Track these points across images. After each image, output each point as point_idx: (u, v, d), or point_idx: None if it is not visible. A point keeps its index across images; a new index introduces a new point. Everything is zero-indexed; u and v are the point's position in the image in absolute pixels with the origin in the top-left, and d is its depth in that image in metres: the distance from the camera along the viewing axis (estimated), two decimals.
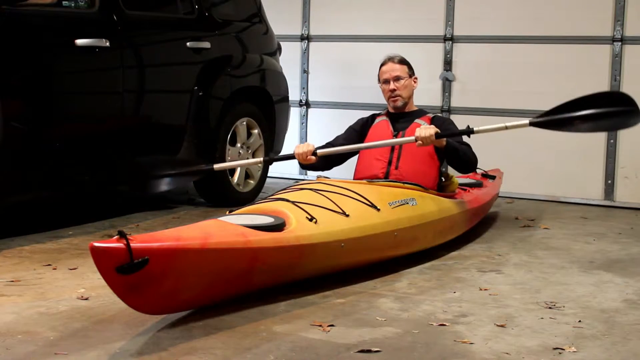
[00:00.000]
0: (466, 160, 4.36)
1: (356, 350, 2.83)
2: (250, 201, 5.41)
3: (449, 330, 3.09)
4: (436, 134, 4.10)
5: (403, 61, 4.57)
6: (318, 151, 4.26)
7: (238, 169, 5.62)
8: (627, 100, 3.88)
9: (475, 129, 4.07)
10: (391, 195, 4.04)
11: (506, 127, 4.03)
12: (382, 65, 4.59)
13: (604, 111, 3.86)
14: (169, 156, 4.85)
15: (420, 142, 4.12)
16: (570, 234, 5.06)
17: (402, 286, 3.72)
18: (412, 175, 4.31)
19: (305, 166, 4.42)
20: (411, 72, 4.57)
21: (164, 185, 4.30)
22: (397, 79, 4.51)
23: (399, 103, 4.53)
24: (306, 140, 7.09)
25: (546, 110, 3.98)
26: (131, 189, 4.55)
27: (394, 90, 4.50)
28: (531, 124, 3.99)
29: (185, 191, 6.18)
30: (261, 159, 4.56)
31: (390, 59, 4.58)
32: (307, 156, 4.25)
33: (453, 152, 4.28)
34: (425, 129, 4.12)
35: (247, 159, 5.70)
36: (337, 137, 4.59)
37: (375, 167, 4.42)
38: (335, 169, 4.59)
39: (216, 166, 4.44)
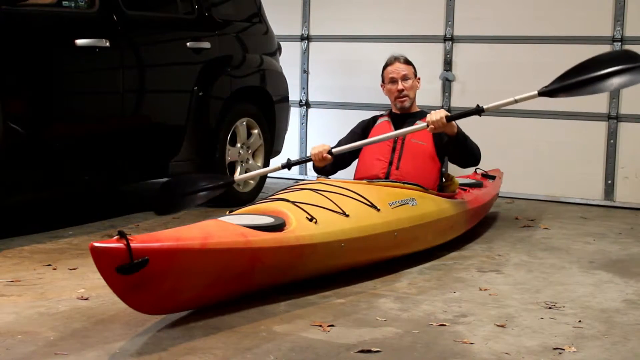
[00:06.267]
0: (471, 153, 4.30)
1: (356, 350, 2.83)
2: (250, 201, 5.41)
3: (449, 330, 3.09)
4: (447, 116, 4.03)
5: (408, 61, 4.53)
6: (333, 150, 4.25)
7: (238, 169, 5.62)
8: (634, 57, 3.79)
9: (484, 106, 3.99)
10: (391, 196, 4.04)
11: (515, 101, 3.93)
12: (387, 65, 4.52)
13: (612, 70, 3.77)
14: (192, 175, 4.77)
15: (432, 126, 4.04)
16: (570, 234, 5.05)
17: (402, 286, 3.72)
18: (413, 176, 4.30)
19: (318, 169, 4.40)
20: (415, 73, 4.54)
21: (189, 204, 4.21)
22: (405, 78, 4.46)
23: (407, 103, 4.48)
24: (306, 141, 7.11)
25: (553, 80, 3.89)
26: (157, 213, 4.63)
27: (402, 90, 4.45)
28: (540, 93, 3.90)
29: None
30: (279, 165, 4.35)
31: (396, 59, 4.52)
32: (322, 155, 4.21)
33: (462, 140, 4.19)
34: (436, 113, 4.04)
35: (247, 159, 5.70)
36: (340, 141, 4.52)
37: (376, 167, 4.41)
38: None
39: (237, 178, 4.53)
